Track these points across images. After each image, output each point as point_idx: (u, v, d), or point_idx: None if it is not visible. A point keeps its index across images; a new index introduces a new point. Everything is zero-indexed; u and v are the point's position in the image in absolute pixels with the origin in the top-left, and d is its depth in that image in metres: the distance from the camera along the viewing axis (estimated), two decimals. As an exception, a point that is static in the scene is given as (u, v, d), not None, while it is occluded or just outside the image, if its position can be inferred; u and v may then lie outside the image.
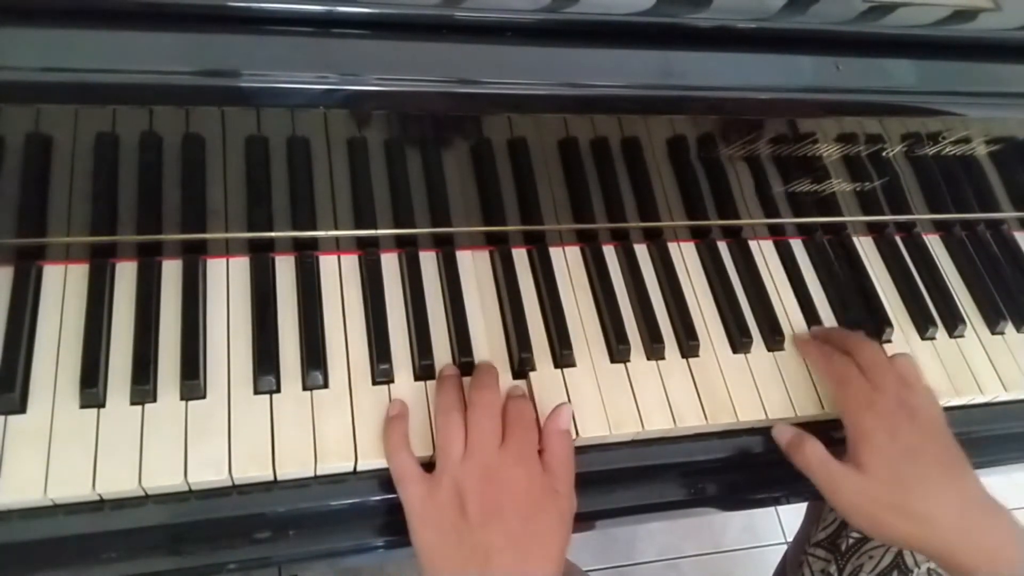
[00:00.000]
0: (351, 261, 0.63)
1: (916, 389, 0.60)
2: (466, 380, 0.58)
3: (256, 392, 0.55)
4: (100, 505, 0.51)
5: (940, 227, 0.78)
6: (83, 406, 0.52)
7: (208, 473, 0.51)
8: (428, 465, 0.54)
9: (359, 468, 0.54)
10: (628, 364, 0.62)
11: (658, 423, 0.60)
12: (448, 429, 0.53)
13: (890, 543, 0.58)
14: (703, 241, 0.70)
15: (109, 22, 0.45)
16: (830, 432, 0.60)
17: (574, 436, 0.58)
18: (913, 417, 0.57)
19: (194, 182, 0.54)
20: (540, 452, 0.55)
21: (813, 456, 0.57)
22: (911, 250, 0.75)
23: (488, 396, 0.55)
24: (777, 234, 0.73)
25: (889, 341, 0.69)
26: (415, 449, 0.54)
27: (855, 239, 0.75)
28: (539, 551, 0.51)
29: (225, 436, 0.53)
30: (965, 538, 0.53)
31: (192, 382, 0.54)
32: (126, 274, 0.58)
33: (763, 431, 0.63)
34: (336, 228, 0.61)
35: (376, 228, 0.62)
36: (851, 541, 0.75)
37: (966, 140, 0.64)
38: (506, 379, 0.60)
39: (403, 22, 0.49)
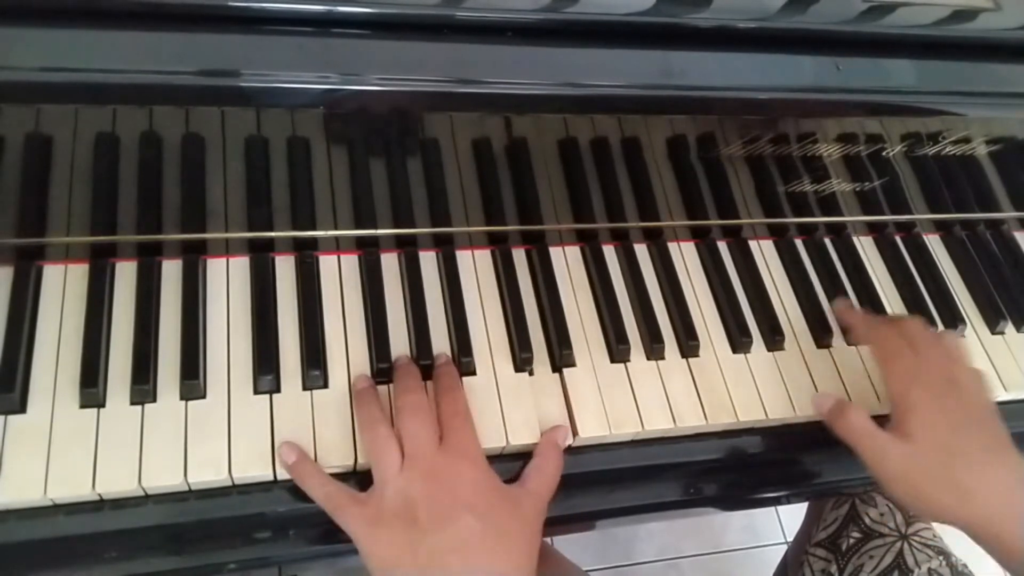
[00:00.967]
0: (351, 261, 0.63)
1: (962, 365, 0.59)
2: (469, 378, 0.58)
3: (256, 392, 0.55)
4: (100, 505, 0.51)
5: (940, 227, 0.78)
6: (83, 406, 0.52)
7: (208, 473, 0.51)
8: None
9: (359, 468, 0.54)
10: (628, 364, 0.62)
11: (658, 423, 0.60)
12: (377, 443, 0.51)
13: (930, 516, 0.57)
14: (703, 241, 0.70)
15: (109, 22, 0.45)
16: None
17: (574, 436, 0.58)
18: (960, 392, 0.56)
19: (194, 182, 0.54)
20: (528, 464, 0.54)
21: (858, 423, 0.56)
22: (911, 250, 0.75)
23: (413, 399, 0.53)
24: (777, 234, 0.73)
25: (889, 341, 0.69)
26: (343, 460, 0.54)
27: (855, 239, 0.75)
28: (502, 552, 0.49)
29: (225, 436, 0.53)
30: (1007, 512, 0.52)
31: (192, 382, 0.54)
32: (126, 274, 0.58)
33: (763, 431, 0.63)
34: (336, 228, 0.61)
35: (376, 228, 0.62)
36: (851, 541, 0.75)
37: (966, 140, 0.65)
38: (507, 376, 0.60)
39: (403, 22, 0.49)
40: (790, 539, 1.43)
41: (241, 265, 0.60)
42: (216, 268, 0.60)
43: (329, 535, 0.53)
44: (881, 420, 0.57)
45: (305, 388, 0.56)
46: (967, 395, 0.57)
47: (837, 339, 0.67)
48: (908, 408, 0.56)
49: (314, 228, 0.60)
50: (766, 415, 0.62)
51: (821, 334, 0.67)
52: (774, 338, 0.66)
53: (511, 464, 0.57)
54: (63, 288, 0.57)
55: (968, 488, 0.53)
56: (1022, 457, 0.55)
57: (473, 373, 0.59)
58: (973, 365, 0.60)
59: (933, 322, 0.70)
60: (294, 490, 0.53)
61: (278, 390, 0.56)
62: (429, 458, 0.51)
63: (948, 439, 0.54)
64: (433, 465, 0.50)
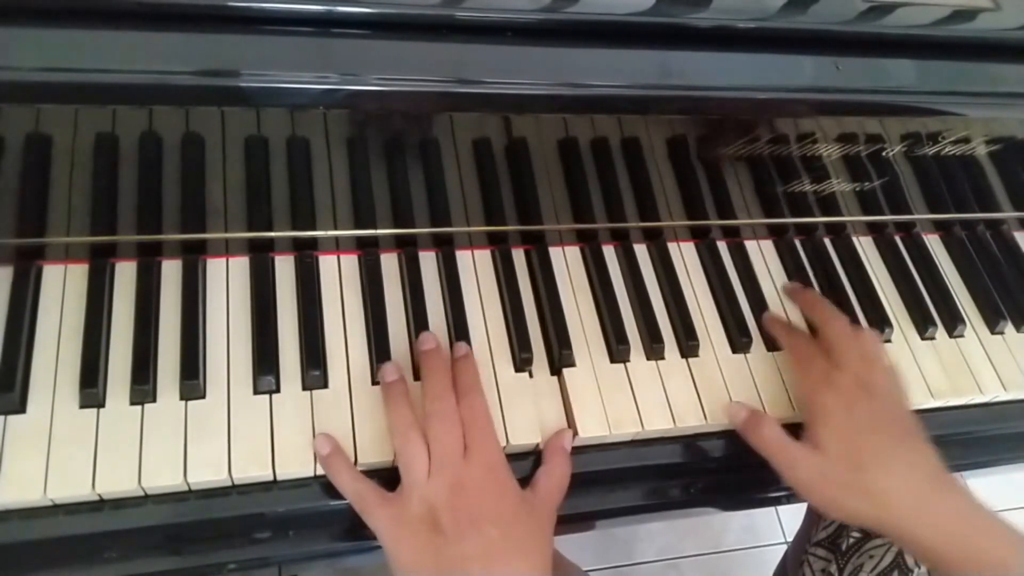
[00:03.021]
0: (351, 261, 0.63)
1: (877, 367, 0.59)
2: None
3: (256, 392, 0.55)
4: (100, 505, 0.51)
5: (940, 227, 0.78)
6: (83, 406, 0.52)
7: (208, 473, 0.51)
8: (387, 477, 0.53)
9: (359, 467, 0.54)
10: (628, 364, 0.62)
11: (658, 423, 0.60)
12: (408, 447, 0.52)
13: (848, 522, 0.58)
14: (703, 241, 0.70)
15: (109, 22, 0.45)
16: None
17: (574, 436, 0.58)
18: (871, 395, 0.57)
19: (194, 182, 0.54)
20: (538, 469, 0.55)
21: (770, 435, 0.57)
22: (911, 250, 0.75)
23: (442, 407, 0.54)
24: (777, 234, 0.73)
25: (889, 341, 0.69)
26: (380, 455, 0.54)
27: (855, 239, 0.75)
28: (520, 558, 0.50)
29: (225, 436, 0.53)
30: (920, 516, 0.53)
31: (192, 382, 0.54)
32: (126, 274, 0.58)
33: (763, 431, 0.63)
34: (336, 228, 0.61)
35: (376, 228, 0.62)
36: (851, 541, 0.75)
37: (966, 140, 0.65)
38: (507, 376, 0.60)
39: (403, 22, 0.49)
40: (790, 539, 1.43)
41: (241, 265, 0.60)
42: (216, 268, 0.60)
43: (329, 535, 0.53)
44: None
45: (305, 388, 0.56)
46: (879, 398, 0.57)
47: (837, 339, 0.67)
48: (818, 416, 0.56)
49: (314, 228, 0.60)
50: (766, 415, 0.62)
51: (821, 334, 0.67)
52: (774, 338, 0.66)
53: (512, 464, 0.57)
54: (63, 288, 0.57)
55: (880, 493, 0.53)
56: (937, 458, 0.55)
57: (473, 373, 0.59)
58: (888, 365, 0.61)
59: (933, 322, 0.70)
60: (294, 490, 0.53)
61: (278, 390, 0.56)
62: (455, 468, 0.51)
63: (858, 446, 0.55)
64: (458, 476, 0.51)
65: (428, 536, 0.49)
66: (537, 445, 0.58)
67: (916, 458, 0.55)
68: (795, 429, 0.58)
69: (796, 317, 0.68)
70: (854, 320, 0.69)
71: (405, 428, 0.53)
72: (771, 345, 0.66)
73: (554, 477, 0.55)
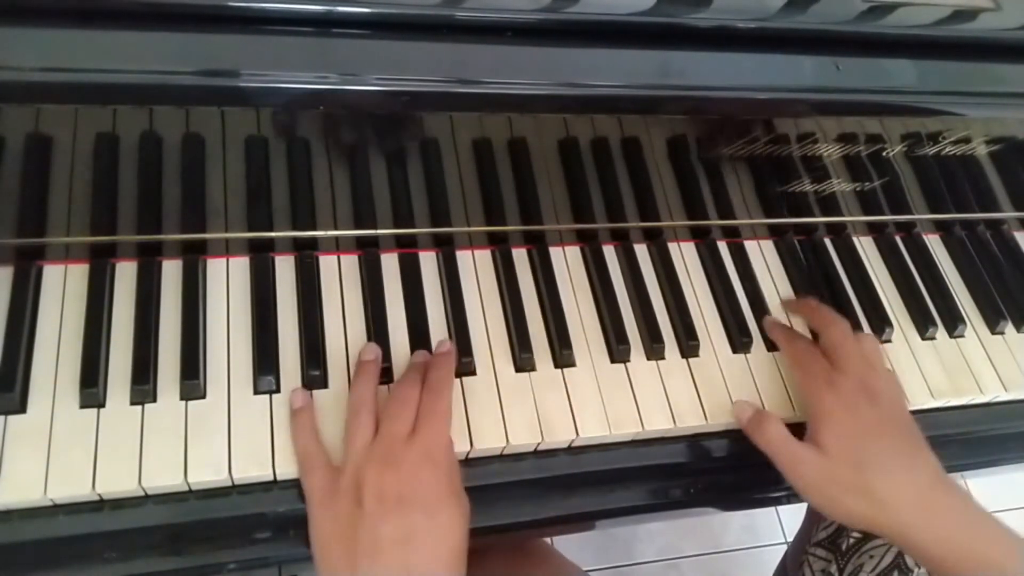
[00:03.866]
0: (351, 261, 0.63)
1: (878, 371, 0.60)
2: (470, 378, 0.58)
3: (256, 392, 0.55)
4: (100, 505, 0.51)
5: (940, 227, 0.78)
6: (83, 406, 0.52)
7: (208, 473, 0.51)
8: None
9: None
10: (628, 364, 0.62)
11: (658, 423, 0.60)
12: (355, 420, 0.52)
13: (847, 523, 0.58)
14: (703, 241, 0.70)
15: (109, 22, 0.45)
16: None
17: (574, 436, 0.58)
18: (873, 398, 0.57)
19: (194, 182, 0.54)
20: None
21: (775, 434, 0.57)
22: (911, 250, 0.75)
23: (403, 391, 0.53)
24: (777, 234, 0.73)
25: (889, 341, 0.69)
26: None
27: (855, 239, 0.75)
28: (443, 551, 0.48)
29: (225, 436, 0.53)
30: (920, 519, 0.53)
31: (192, 382, 0.54)
32: (126, 274, 0.58)
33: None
34: (336, 228, 0.61)
35: (376, 228, 0.62)
36: (851, 541, 0.76)
37: (966, 140, 0.64)
38: (507, 376, 0.60)
39: (403, 22, 0.49)
40: (790, 539, 1.43)
41: (241, 265, 0.60)
42: (216, 268, 0.60)
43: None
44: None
45: (305, 388, 0.56)
46: (881, 402, 0.57)
47: (837, 339, 0.67)
48: (821, 416, 0.57)
49: (314, 228, 0.60)
50: (766, 415, 0.62)
51: (821, 334, 0.67)
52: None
53: (512, 464, 0.57)
54: (63, 288, 0.57)
55: (882, 496, 0.53)
56: (937, 462, 0.56)
57: (473, 373, 0.59)
58: (888, 368, 0.61)
59: (933, 322, 0.70)
60: (294, 490, 0.53)
61: (278, 390, 0.56)
62: (394, 445, 0.50)
63: (861, 448, 0.55)
64: (393, 453, 0.50)
65: (349, 509, 0.48)
66: (537, 445, 0.58)
67: (916, 461, 0.55)
68: (795, 429, 0.58)
69: (797, 321, 0.68)
70: (854, 321, 0.69)
71: (358, 405, 0.53)
72: (771, 345, 0.66)
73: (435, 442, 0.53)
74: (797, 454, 0.56)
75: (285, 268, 0.61)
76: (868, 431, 0.56)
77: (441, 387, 0.54)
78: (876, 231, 0.76)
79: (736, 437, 0.62)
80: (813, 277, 0.71)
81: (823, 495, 0.55)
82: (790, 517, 1.51)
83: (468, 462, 0.57)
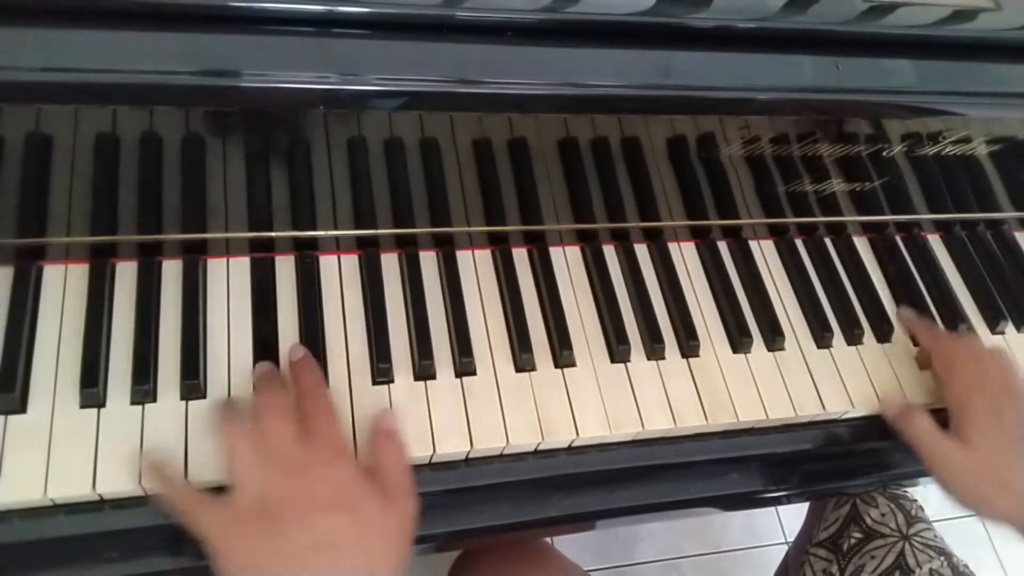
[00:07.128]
0: (351, 261, 0.63)
1: (1018, 377, 0.63)
2: (470, 378, 0.58)
3: (256, 392, 0.55)
4: (100, 505, 0.51)
5: (940, 227, 0.78)
6: (83, 406, 0.52)
7: (209, 473, 0.51)
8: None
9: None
10: (628, 364, 0.62)
11: (658, 423, 0.60)
12: (232, 440, 0.48)
13: (985, 515, 0.61)
14: (703, 241, 0.70)
15: (109, 22, 0.45)
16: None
17: (574, 436, 0.58)
18: (1016, 402, 0.60)
19: (194, 182, 0.54)
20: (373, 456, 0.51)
21: (923, 427, 0.60)
22: (911, 250, 0.75)
23: (269, 398, 0.50)
24: (777, 234, 0.73)
25: (889, 341, 0.69)
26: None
27: (855, 239, 0.75)
28: (372, 544, 0.46)
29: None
30: None
31: (192, 382, 0.54)
32: (126, 274, 0.58)
33: (763, 431, 0.63)
34: (336, 228, 0.61)
35: (376, 228, 0.62)
36: (853, 541, 0.76)
37: (966, 140, 0.65)
38: (508, 376, 0.60)
39: (403, 22, 0.49)
40: (790, 539, 1.43)
41: (241, 265, 0.60)
42: (216, 268, 0.60)
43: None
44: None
45: (305, 388, 0.56)
46: (1020, 405, 0.60)
47: (837, 339, 0.68)
48: (968, 416, 0.60)
49: (314, 228, 0.60)
50: (766, 415, 0.62)
51: (821, 334, 0.67)
52: (774, 338, 0.66)
53: (512, 464, 0.57)
54: (63, 288, 0.57)
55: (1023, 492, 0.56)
56: None
57: (473, 373, 0.59)
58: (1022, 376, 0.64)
59: (934, 322, 0.70)
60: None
61: (278, 390, 0.56)
62: (289, 452, 0.47)
63: (1005, 446, 0.58)
64: (293, 458, 0.47)
65: (264, 528, 0.44)
66: (537, 445, 0.58)
67: None
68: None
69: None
70: (855, 320, 0.69)
71: (228, 420, 0.49)
72: (772, 345, 0.66)
73: (386, 459, 0.50)
74: (945, 448, 0.59)
75: (285, 268, 0.61)
76: (1012, 431, 0.59)
77: (318, 390, 0.52)
78: (876, 231, 0.76)
79: (736, 437, 0.62)
80: (814, 277, 0.71)
81: (967, 487, 0.58)
82: (790, 517, 1.51)
83: (468, 462, 0.57)
